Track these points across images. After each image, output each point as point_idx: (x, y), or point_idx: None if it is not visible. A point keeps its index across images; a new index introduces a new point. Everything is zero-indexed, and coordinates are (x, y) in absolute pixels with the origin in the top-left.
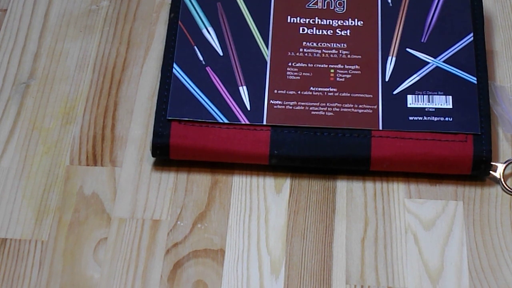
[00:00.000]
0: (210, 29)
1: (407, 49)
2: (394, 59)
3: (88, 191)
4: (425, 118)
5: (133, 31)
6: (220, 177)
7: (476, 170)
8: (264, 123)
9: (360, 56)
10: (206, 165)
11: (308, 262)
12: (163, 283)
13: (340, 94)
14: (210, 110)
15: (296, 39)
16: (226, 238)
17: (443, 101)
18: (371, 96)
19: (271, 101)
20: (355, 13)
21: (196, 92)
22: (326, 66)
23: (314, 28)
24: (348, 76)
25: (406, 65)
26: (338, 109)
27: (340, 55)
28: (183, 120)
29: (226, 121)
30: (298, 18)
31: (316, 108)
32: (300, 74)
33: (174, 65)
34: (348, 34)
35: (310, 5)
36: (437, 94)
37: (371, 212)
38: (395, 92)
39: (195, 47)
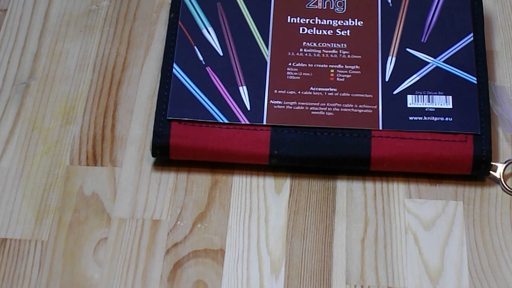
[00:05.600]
0: (210, 29)
1: (407, 49)
2: (394, 59)
3: (88, 191)
4: (425, 118)
5: (133, 31)
6: (220, 177)
7: (476, 170)
8: (264, 123)
9: (360, 56)
10: (206, 165)
11: (308, 262)
12: (163, 283)
13: (340, 94)
14: (210, 110)
15: (296, 39)
16: (226, 238)
17: (443, 101)
18: (371, 96)
19: (271, 101)
20: (355, 13)
21: (196, 92)
22: (326, 66)
23: (314, 28)
24: (348, 76)
25: (406, 65)
26: (338, 109)
27: (340, 55)
28: (183, 120)
29: (226, 121)
30: (298, 18)
31: (316, 108)
32: (300, 74)
33: (174, 65)
34: (348, 34)
35: (310, 5)
36: (437, 94)
37: (371, 212)
38: (395, 92)
39: (195, 47)
